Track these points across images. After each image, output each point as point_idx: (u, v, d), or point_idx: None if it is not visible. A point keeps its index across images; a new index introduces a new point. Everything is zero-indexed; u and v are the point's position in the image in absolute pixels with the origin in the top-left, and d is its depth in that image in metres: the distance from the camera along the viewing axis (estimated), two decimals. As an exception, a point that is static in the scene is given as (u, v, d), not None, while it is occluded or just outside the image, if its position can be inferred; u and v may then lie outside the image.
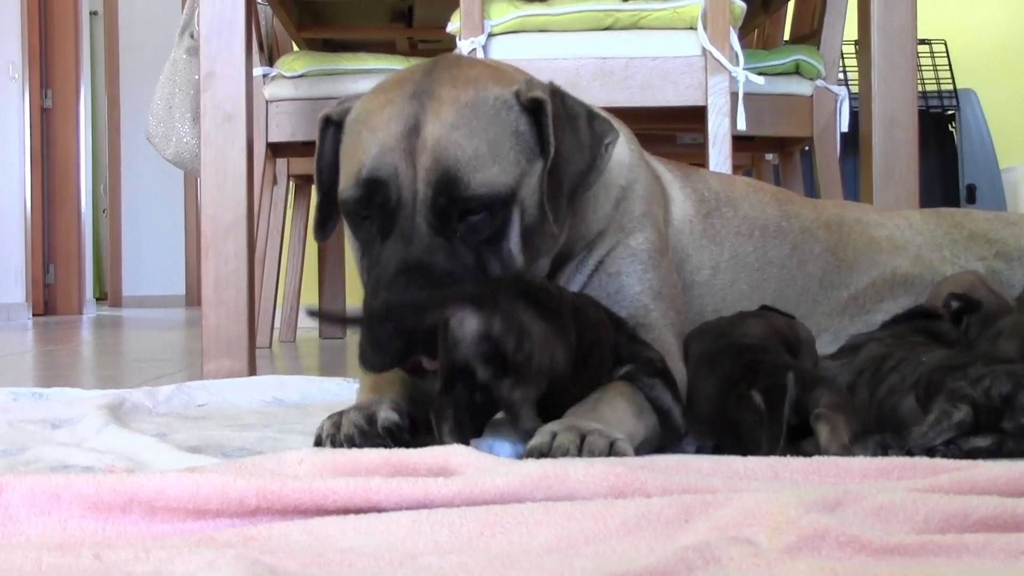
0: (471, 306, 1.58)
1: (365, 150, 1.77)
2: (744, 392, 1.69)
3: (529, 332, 1.58)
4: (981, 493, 1.24)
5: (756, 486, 1.33)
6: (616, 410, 1.67)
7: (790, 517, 1.14)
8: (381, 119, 1.78)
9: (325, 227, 1.96)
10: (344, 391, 2.63)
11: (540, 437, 1.54)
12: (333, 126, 1.91)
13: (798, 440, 1.64)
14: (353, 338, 5.23)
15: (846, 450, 1.57)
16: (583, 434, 1.53)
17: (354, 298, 5.57)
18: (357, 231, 1.82)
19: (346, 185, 1.80)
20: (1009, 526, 1.14)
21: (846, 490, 1.22)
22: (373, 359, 1.68)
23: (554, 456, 1.49)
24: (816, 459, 1.45)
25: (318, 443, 1.70)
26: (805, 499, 1.18)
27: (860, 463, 1.43)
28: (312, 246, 5.33)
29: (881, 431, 1.71)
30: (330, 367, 3.77)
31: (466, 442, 1.55)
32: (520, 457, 1.54)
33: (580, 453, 1.50)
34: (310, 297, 5.47)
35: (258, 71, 3.89)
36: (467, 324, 1.57)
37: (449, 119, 1.75)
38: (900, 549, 1.08)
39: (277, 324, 5.05)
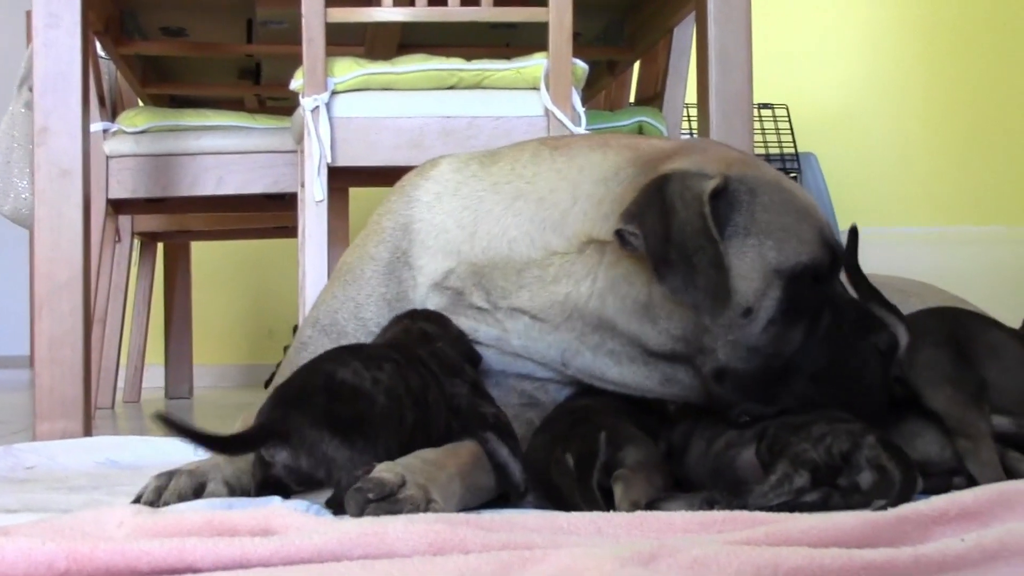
0: (278, 440, 1.61)
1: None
2: (559, 456, 1.72)
3: (335, 461, 1.61)
4: (794, 544, 1.26)
5: (578, 541, 1.34)
6: (443, 467, 1.67)
7: (606, 572, 1.14)
8: None
9: None
10: (183, 452, 2.56)
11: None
12: None
13: None
14: (200, 397, 5.15)
15: (636, 507, 1.59)
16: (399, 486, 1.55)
17: (201, 359, 5.50)
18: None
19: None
20: (817, 576, 1.16)
21: (661, 544, 1.23)
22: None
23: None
24: (639, 514, 1.47)
25: (137, 501, 1.66)
26: (621, 554, 1.19)
27: (682, 517, 1.45)
28: (158, 305, 5.24)
29: (715, 484, 1.73)
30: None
31: None
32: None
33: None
34: (156, 357, 5.37)
35: (99, 126, 3.83)
36: (277, 458, 1.61)
37: None
38: (711, 602, 1.10)
39: (121, 384, 4.94)
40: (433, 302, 2.02)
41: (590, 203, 1.91)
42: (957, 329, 1.91)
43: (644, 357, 1.87)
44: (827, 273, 1.84)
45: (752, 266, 1.77)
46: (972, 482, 1.75)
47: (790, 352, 1.79)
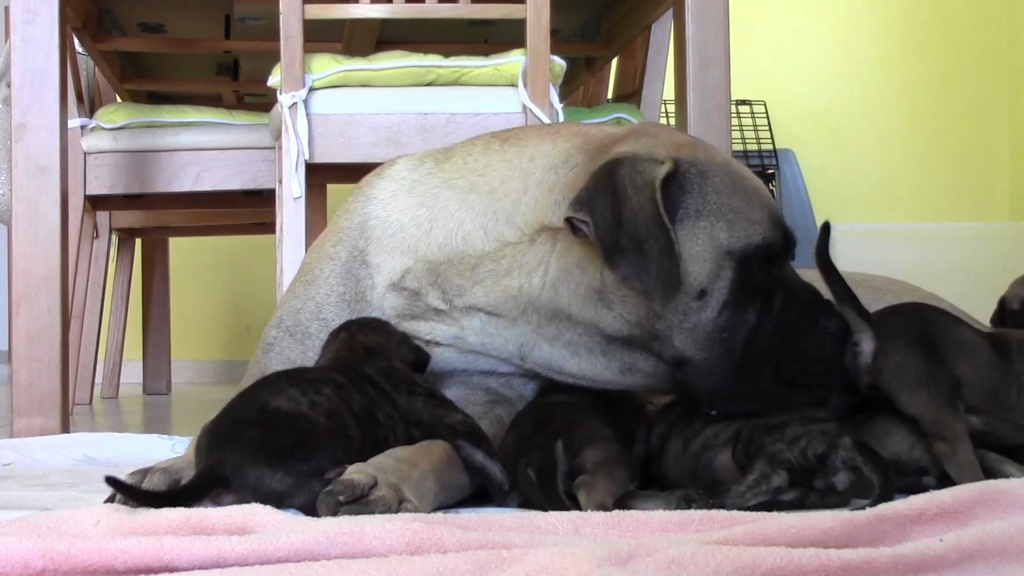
0: (221, 488, 1.57)
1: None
2: (522, 470, 1.72)
3: (283, 492, 1.58)
4: (772, 544, 1.26)
5: (555, 540, 1.34)
6: (416, 465, 1.67)
7: (582, 571, 1.14)
8: None
9: None
10: (161, 449, 2.57)
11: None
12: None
13: None
14: (178, 393, 5.14)
15: (604, 508, 1.58)
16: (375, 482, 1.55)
17: (179, 355, 5.49)
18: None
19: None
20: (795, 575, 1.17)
21: (639, 543, 1.23)
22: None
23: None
24: (616, 513, 1.47)
25: (111, 499, 1.65)
26: (598, 553, 1.19)
27: (660, 517, 1.45)
28: (136, 301, 5.22)
29: (693, 485, 1.74)
30: (153, 424, 3.69)
31: None
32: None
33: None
34: (134, 353, 5.35)
35: (76, 122, 3.81)
36: (224, 502, 1.56)
37: None
38: (689, 601, 1.10)
39: (98, 380, 4.93)
40: (390, 303, 2.01)
41: (540, 191, 1.91)
42: (926, 327, 1.91)
43: (602, 346, 1.87)
44: (779, 254, 1.85)
45: (704, 247, 1.79)
46: (943, 481, 1.75)
47: (744, 335, 1.80)
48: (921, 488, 1.72)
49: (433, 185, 2.03)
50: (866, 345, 1.83)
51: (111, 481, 1.48)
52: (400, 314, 2.01)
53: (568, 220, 1.80)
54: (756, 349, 1.80)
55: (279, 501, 1.55)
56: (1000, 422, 1.86)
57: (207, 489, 1.56)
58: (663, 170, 1.79)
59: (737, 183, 1.85)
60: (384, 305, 2.02)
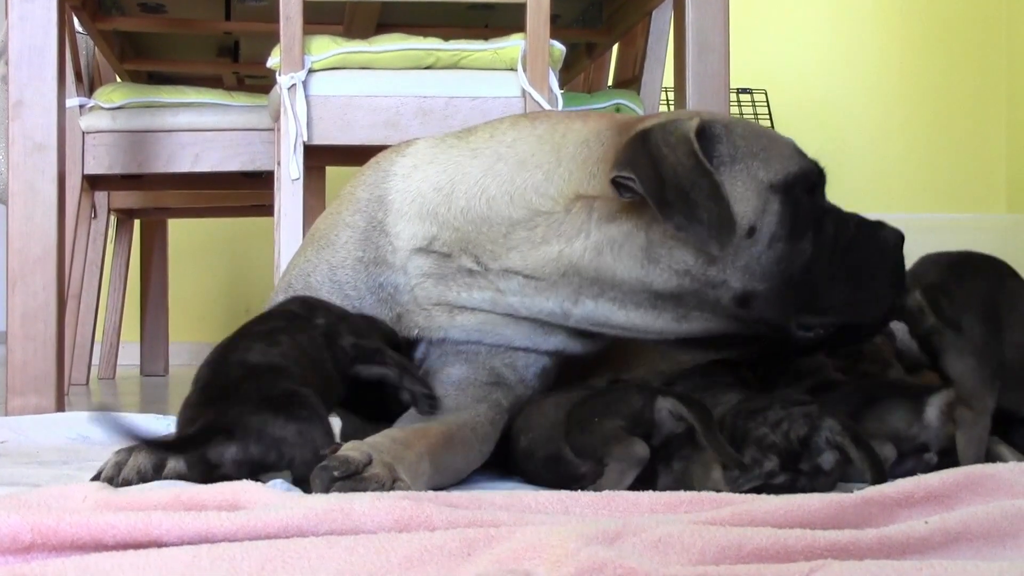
0: (223, 437, 1.60)
1: None
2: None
3: (285, 439, 1.61)
4: (759, 525, 1.27)
5: (544, 520, 1.34)
6: (411, 446, 1.67)
7: (570, 550, 1.15)
8: None
9: None
10: (157, 428, 2.56)
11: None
12: None
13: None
14: (175, 375, 5.14)
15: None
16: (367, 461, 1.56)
17: (176, 336, 5.48)
18: None
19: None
20: (780, 556, 1.17)
21: (626, 523, 1.23)
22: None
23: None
24: (606, 494, 1.47)
25: (97, 477, 1.65)
26: (585, 532, 1.19)
27: (649, 497, 1.45)
28: (134, 282, 5.22)
29: None
30: (149, 405, 3.69)
31: None
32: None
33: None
34: (131, 334, 5.35)
35: (75, 101, 3.80)
36: (226, 455, 1.60)
37: None
38: (674, 580, 1.10)
39: (96, 362, 4.93)
40: (415, 264, 2.01)
41: (575, 164, 1.93)
42: (1000, 294, 1.89)
43: (651, 300, 1.90)
44: (817, 182, 1.92)
45: (746, 187, 1.85)
46: (943, 457, 1.78)
47: (802, 263, 1.86)
48: (924, 464, 1.77)
49: (456, 155, 2.04)
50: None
51: (125, 432, 1.55)
52: (426, 274, 2.00)
53: (613, 181, 1.83)
54: (820, 270, 1.87)
55: (279, 449, 1.58)
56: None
57: (209, 439, 1.59)
58: (693, 124, 1.85)
59: (758, 128, 1.94)
60: (408, 266, 2.02)
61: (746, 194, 1.84)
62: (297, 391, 1.67)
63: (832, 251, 1.89)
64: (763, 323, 1.88)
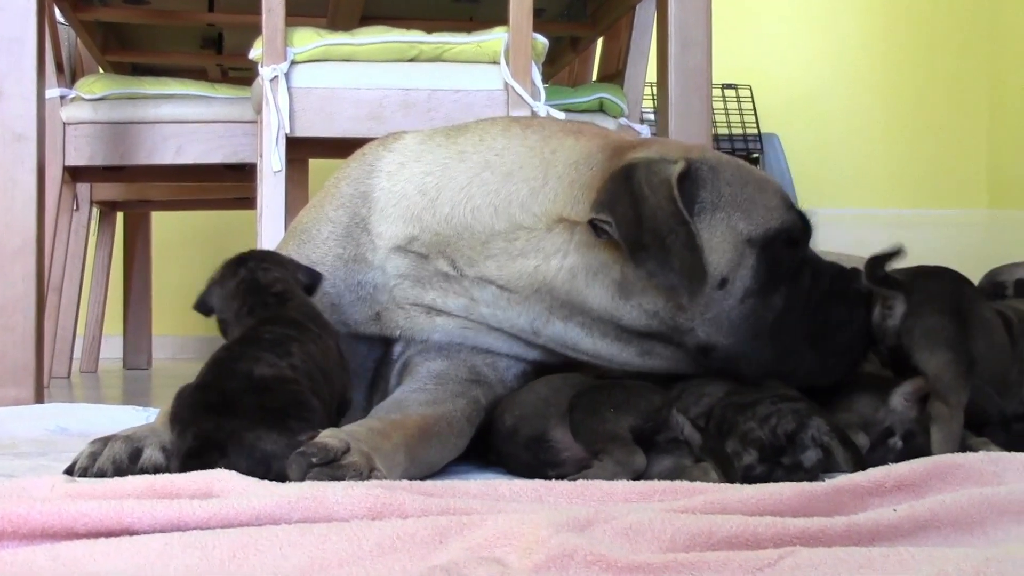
0: (216, 452, 1.58)
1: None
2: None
3: (275, 454, 1.58)
4: (731, 513, 1.27)
5: (517, 508, 1.34)
6: (388, 437, 1.68)
7: (540, 537, 1.15)
8: None
9: None
10: (135, 420, 2.56)
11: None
12: None
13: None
14: (158, 368, 5.13)
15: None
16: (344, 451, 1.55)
17: (160, 330, 5.47)
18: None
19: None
20: (750, 543, 1.17)
21: (598, 511, 1.23)
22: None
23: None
24: (581, 483, 1.47)
25: (69, 472, 1.65)
26: (556, 519, 1.19)
27: (623, 486, 1.45)
28: (117, 274, 5.21)
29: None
30: (131, 398, 3.68)
31: None
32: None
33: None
34: (114, 327, 5.34)
35: (56, 92, 3.78)
36: (216, 466, 1.56)
37: None
38: (644, 567, 1.10)
39: (77, 354, 4.92)
40: (394, 264, 2.01)
41: (561, 185, 1.93)
42: (960, 300, 1.92)
43: (618, 333, 1.90)
44: (800, 236, 1.90)
45: (723, 238, 1.83)
46: (907, 440, 1.79)
47: (772, 318, 1.84)
48: (888, 448, 1.78)
49: (444, 156, 2.04)
50: (899, 308, 1.86)
51: None
52: (403, 275, 2.01)
53: (591, 222, 1.83)
54: (789, 328, 1.85)
55: (269, 465, 1.56)
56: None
57: (202, 454, 1.57)
58: (677, 168, 1.83)
59: (747, 175, 1.90)
60: (387, 266, 2.02)
61: (723, 245, 1.83)
62: (302, 402, 1.65)
63: (804, 308, 1.87)
64: (725, 373, 1.88)
